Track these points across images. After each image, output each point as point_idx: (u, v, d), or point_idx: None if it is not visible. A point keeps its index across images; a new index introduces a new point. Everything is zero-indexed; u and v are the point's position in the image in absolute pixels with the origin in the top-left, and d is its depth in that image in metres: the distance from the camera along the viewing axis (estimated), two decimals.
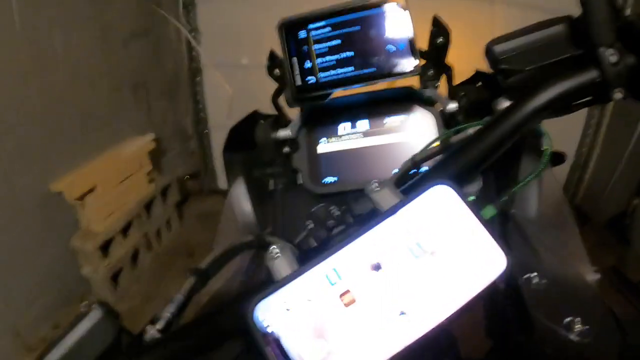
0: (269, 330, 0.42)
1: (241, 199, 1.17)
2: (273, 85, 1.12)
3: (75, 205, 3.14)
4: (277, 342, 0.42)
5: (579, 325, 0.74)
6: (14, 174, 2.73)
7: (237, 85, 3.95)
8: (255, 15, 3.68)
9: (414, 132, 1.06)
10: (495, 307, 0.94)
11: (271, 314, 0.43)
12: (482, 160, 0.59)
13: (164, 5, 3.91)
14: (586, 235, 3.14)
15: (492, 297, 0.97)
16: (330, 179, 1.08)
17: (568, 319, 0.75)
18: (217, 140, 4.52)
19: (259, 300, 0.44)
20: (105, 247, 3.30)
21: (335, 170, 1.08)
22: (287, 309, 0.43)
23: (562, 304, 0.82)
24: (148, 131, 3.84)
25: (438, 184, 0.45)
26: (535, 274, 0.88)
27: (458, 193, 0.44)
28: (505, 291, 0.94)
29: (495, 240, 0.42)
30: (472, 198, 0.57)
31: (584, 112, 3.61)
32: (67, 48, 3.05)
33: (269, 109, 1.21)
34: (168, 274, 3.54)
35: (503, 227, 1.02)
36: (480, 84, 1.04)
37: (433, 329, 0.41)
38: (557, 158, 1.36)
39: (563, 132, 3.55)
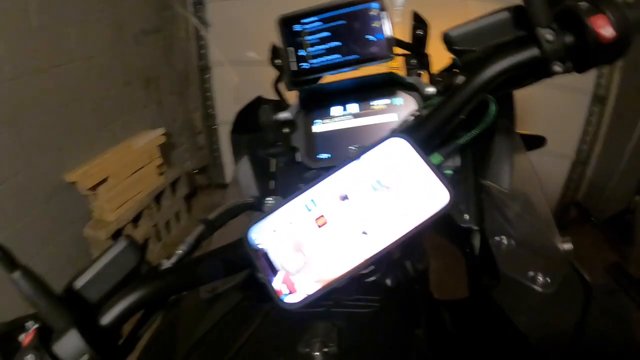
0: (260, 247, 0.55)
1: (246, 175, 1.28)
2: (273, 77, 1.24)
3: (88, 196, 3.25)
4: (265, 256, 0.54)
5: (541, 279, 0.86)
6: (30, 165, 2.85)
7: (242, 78, 4.07)
8: (260, 12, 3.77)
9: (398, 113, 1.17)
10: (474, 265, 1.06)
11: (261, 235, 0.55)
12: (442, 125, 0.71)
13: (174, 2, 4.01)
14: (588, 233, 3.18)
15: (471, 257, 1.09)
16: (324, 155, 1.19)
17: (532, 273, 0.87)
18: (225, 135, 4.56)
19: (253, 225, 0.56)
20: (116, 237, 3.37)
21: (329, 148, 1.19)
22: (274, 230, 0.55)
23: (528, 261, 0.93)
24: (159, 125, 3.94)
25: (394, 136, 0.57)
26: (505, 237, 1.00)
27: (410, 143, 0.56)
28: (480, 252, 1.07)
29: (442, 180, 0.54)
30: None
31: (584, 108, 3.67)
32: (81, 44, 3.16)
33: (271, 96, 1.33)
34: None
35: (477, 196, 1.13)
36: (455, 70, 1.16)
37: (388, 246, 0.52)
38: (536, 141, 1.47)
39: (564, 129, 3.59)
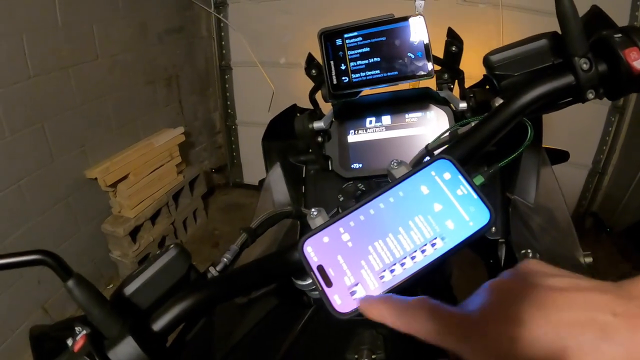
0: (313, 258, 0.57)
1: (278, 181, 1.31)
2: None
3: (108, 192, 3.30)
4: (318, 266, 0.57)
5: None
6: (53, 160, 2.90)
7: (262, 79, 4.06)
8: (277, 17, 3.83)
9: (429, 127, 1.21)
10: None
11: (314, 246, 0.58)
12: (480, 146, 0.73)
13: (195, 4, 4.05)
14: (604, 243, 3.17)
15: (495, 268, 1.12)
16: (357, 165, 1.22)
17: None
18: (244, 135, 4.65)
19: (307, 237, 0.59)
20: (134, 234, 3.45)
21: (362, 158, 1.22)
22: (326, 242, 0.58)
23: None
24: (179, 124, 3.99)
25: (441, 159, 0.60)
26: (530, 250, 1.02)
27: (455, 165, 0.59)
28: (504, 263, 1.10)
29: (484, 202, 0.57)
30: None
31: (602, 119, 3.66)
32: (105, 42, 3.20)
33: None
34: (194, 261, 3.67)
35: (505, 210, 1.16)
36: (487, 87, 1.19)
37: (432, 262, 0.55)
38: (560, 156, 1.49)
39: (581, 139, 3.58)
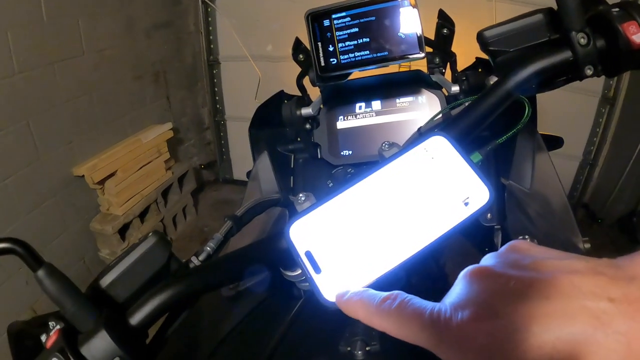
0: (300, 244, 0.54)
1: (266, 171, 1.28)
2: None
3: (96, 189, 3.26)
4: (306, 253, 0.54)
5: None
6: (39, 158, 2.86)
7: (252, 72, 4.01)
8: (266, 2, 3.82)
9: (421, 111, 1.18)
10: None
11: (300, 232, 0.55)
12: (476, 125, 0.71)
13: None
14: (595, 234, 3.17)
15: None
16: (346, 152, 1.20)
17: None
18: (233, 131, 4.63)
19: (291, 222, 0.56)
20: (123, 231, 3.42)
21: (351, 144, 1.20)
22: (313, 228, 0.55)
23: None
24: (167, 120, 3.95)
25: (435, 134, 0.57)
26: (527, 236, 0.99)
27: (450, 141, 0.56)
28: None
29: (482, 179, 0.53)
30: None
31: (592, 110, 3.67)
32: (91, 38, 3.16)
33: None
34: (183, 259, 3.65)
35: (501, 196, 1.13)
36: (479, 69, 1.16)
37: (429, 244, 0.52)
38: (554, 142, 1.47)
39: (572, 130, 3.59)
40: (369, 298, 0.45)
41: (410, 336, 0.40)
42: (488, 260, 0.43)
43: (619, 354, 0.30)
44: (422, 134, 0.92)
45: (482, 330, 0.35)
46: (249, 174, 1.35)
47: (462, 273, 0.42)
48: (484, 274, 0.40)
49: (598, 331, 0.31)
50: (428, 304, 0.40)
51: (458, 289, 0.40)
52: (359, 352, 0.76)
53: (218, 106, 4.60)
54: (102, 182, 3.26)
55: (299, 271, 0.74)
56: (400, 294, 0.43)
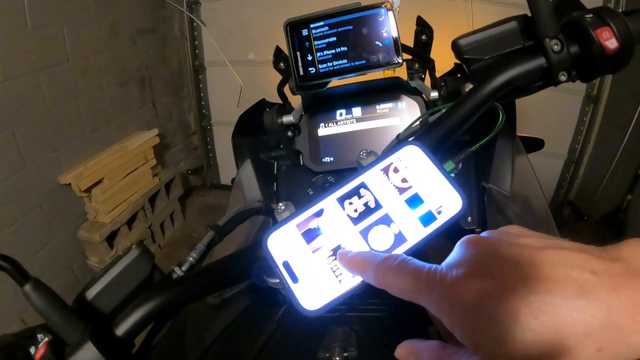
0: (278, 254, 0.55)
1: (249, 178, 1.28)
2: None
3: (82, 197, 3.25)
4: (284, 263, 0.54)
5: None
6: (25, 166, 2.85)
7: (235, 78, 4.03)
8: (248, 12, 3.84)
9: (401, 117, 1.19)
10: None
11: (279, 242, 0.56)
12: (451, 132, 0.72)
13: (168, 3, 4.01)
14: (582, 232, 3.19)
15: None
16: (328, 159, 1.20)
17: None
18: (219, 136, 4.64)
19: (270, 232, 0.57)
20: (110, 239, 3.40)
21: (333, 151, 1.20)
22: (292, 237, 0.56)
23: None
24: (153, 126, 3.94)
25: (408, 144, 0.58)
26: None
27: (424, 150, 0.57)
28: None
29: (454, 187, 0.54)
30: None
31: (576, 109, 3.70)
32: (76, 45, 3.15)
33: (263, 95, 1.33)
34: (172, 265, 3.65)
35: (481, 200, 1.14)
36: (458, 75, 1.17)
37: (405, 252, 0.53)
38: (535, 143, 1.49)
39: (556, 129, 3.63)
40: (372, 256, 0.49)
41: (408, 291, 0.43)
42: (485, 233, 0.46)
43: (599, 320, 0.33)
44: (399, 141, 0.93)
45: (473, 287, 0.38)
46: (233, 180, 1.36)
47: (459, 242, 0.44)
48: (479, 241, 0.43)
49: (580, 298, 0.34)
50: (426, 264, 0.43)
51: (454, 254, 0.43)
52: (337, 358, 0.76)
53: (204, 111, 4.60)
54: (88, 190, 3.25)
55: None
56: (401, 255, 0.47)
